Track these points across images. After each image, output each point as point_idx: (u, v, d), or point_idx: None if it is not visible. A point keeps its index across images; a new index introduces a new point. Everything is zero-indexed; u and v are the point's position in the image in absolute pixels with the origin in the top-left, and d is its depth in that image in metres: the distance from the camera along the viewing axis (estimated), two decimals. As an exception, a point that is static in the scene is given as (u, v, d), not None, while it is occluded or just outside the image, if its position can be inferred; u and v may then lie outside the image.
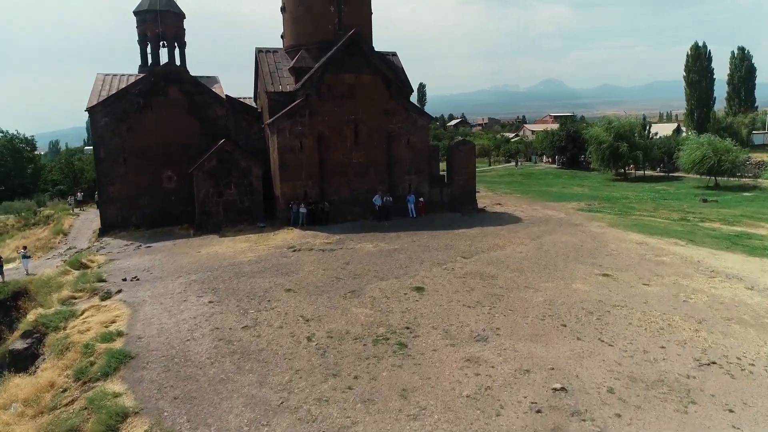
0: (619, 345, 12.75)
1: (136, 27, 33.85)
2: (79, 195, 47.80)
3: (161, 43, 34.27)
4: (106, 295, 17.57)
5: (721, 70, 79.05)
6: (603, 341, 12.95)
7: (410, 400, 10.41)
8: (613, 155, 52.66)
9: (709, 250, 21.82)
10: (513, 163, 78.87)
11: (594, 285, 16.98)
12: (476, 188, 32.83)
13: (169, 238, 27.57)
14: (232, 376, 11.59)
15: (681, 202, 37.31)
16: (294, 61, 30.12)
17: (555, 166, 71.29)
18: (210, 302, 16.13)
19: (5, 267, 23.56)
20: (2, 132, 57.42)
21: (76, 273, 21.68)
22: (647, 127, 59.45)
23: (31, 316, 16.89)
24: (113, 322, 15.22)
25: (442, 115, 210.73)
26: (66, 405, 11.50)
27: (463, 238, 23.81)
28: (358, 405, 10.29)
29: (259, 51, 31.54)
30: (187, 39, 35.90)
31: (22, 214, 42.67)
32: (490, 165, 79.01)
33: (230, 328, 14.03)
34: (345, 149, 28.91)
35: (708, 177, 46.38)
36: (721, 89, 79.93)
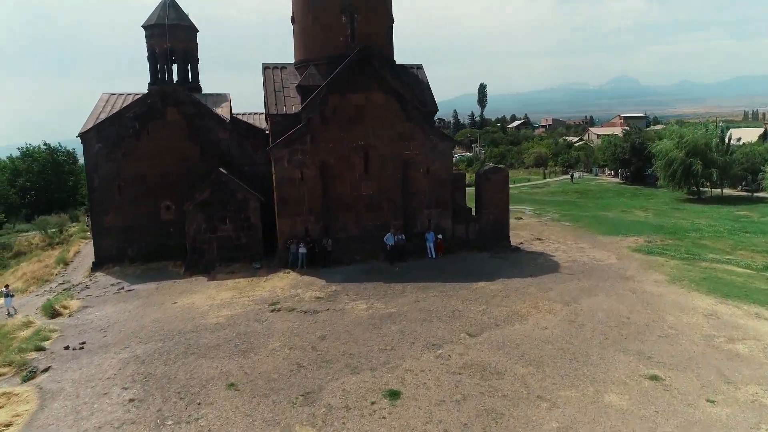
0: None
1: (146, 42, 31.93)
2: None
3: (171, 58, 32.21)
4: (30, 375, 14.98)
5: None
6: None
7: None
8: (684, 173, 45.86)
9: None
10: (569, 176, 70.72)
11: (635, 398, 12.36)
12: (521, 210, 28.17)
13: (157, 278, 25.18)
14: None
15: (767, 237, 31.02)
16: (301, 78, 26.62)
17: (617, 180, 64.28)
18: (131, 401, 12.97)
19: None
20: (46, 144, 57.94)
21: (37, 325, 19.59)
22: (727, 139, 51.38)
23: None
24: (8, 426, 12.37)
25: (504, 116, 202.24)
26: None
27: (479, 298, 19.48)
28: None
29: (265, 67, 28.19)
30: (201, 54, 33.73)
31: (49, 231, 42.06)
32: (544, 178, 72.55)
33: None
34: (353, 180, 25.24)
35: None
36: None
